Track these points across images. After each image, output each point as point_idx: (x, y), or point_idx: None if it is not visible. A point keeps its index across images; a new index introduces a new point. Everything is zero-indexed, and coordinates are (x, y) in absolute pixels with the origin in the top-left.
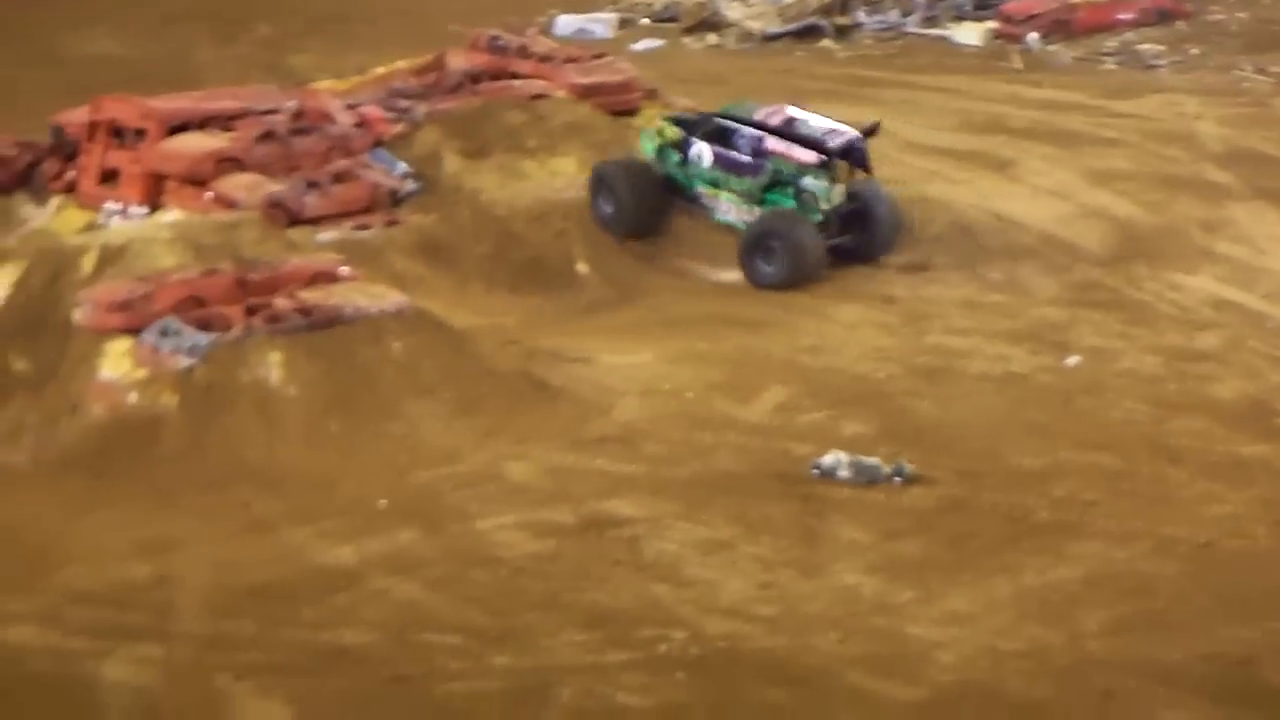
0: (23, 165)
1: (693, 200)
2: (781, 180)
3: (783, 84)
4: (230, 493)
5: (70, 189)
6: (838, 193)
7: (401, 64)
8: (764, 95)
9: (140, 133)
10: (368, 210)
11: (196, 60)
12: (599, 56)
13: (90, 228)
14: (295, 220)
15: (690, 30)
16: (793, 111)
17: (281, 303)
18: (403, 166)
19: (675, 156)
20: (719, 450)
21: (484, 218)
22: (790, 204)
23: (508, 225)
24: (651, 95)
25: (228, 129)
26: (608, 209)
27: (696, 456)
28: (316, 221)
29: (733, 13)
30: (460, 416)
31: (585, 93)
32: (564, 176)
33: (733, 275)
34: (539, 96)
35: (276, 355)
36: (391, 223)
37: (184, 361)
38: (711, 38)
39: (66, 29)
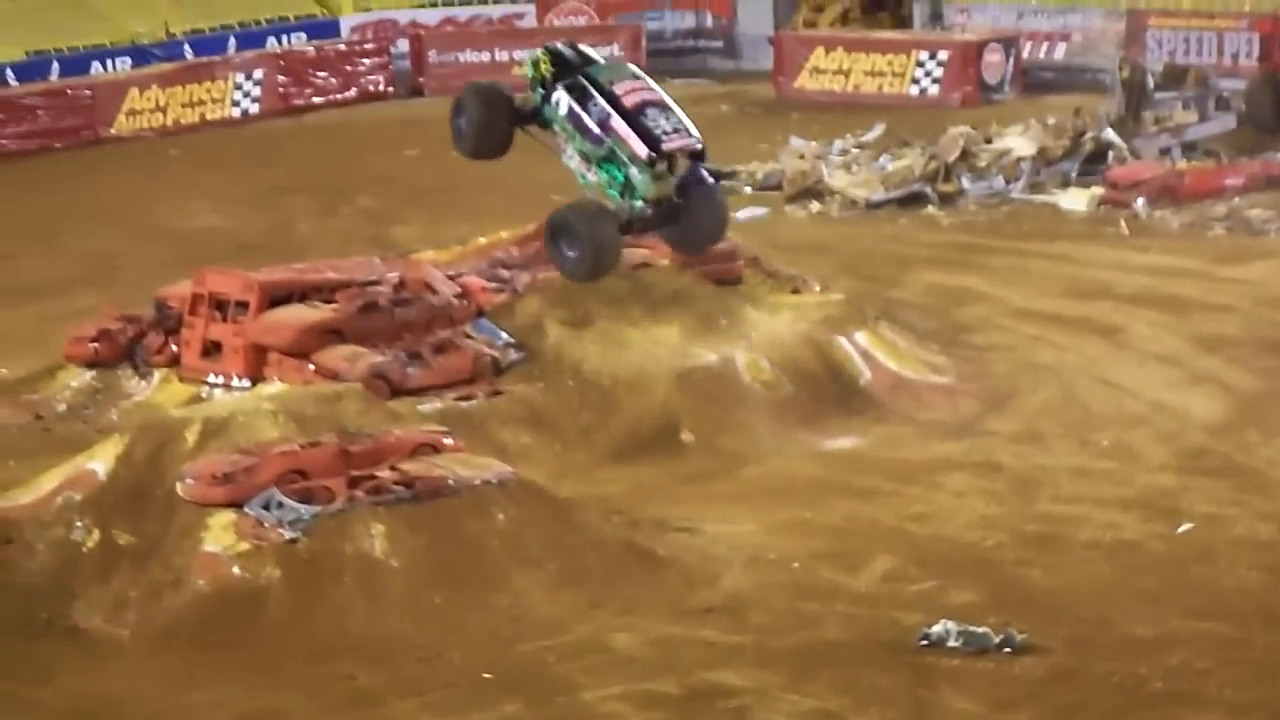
0: (126, 339)
1: (551, 134)
2: (615, 159)
3: (888, 251)
4: (335, 665)
5: (173, 362)
6: (662, 188)
7: (503, 234)
8: (871, 262)
9: (242, 305)
10: (470, 381)
11: (298, 232)
12: None
13: (193, 401)
14: (398, 391)
15: (793, 198)
16: (651, 96)
17: (384, 474)
18: (505, 336)
19: (540, 92)
20: (826, 620)
21: (587, 387)
22: (620, 180)
23: (611, 395)
24: (754, 263)
25: (329, 300)
26: (461, 127)
27: (803, 626)
28: (419, 392)
29: (836, 181)
30: (565, 587)
31: (688, 261)
32: (667, 346)
33: (840, 443)
34: (641, 265)
35: (380, 527)
36: (494, 393)
37: (287, 534)
38: (815, 206)
39: (170, 203)
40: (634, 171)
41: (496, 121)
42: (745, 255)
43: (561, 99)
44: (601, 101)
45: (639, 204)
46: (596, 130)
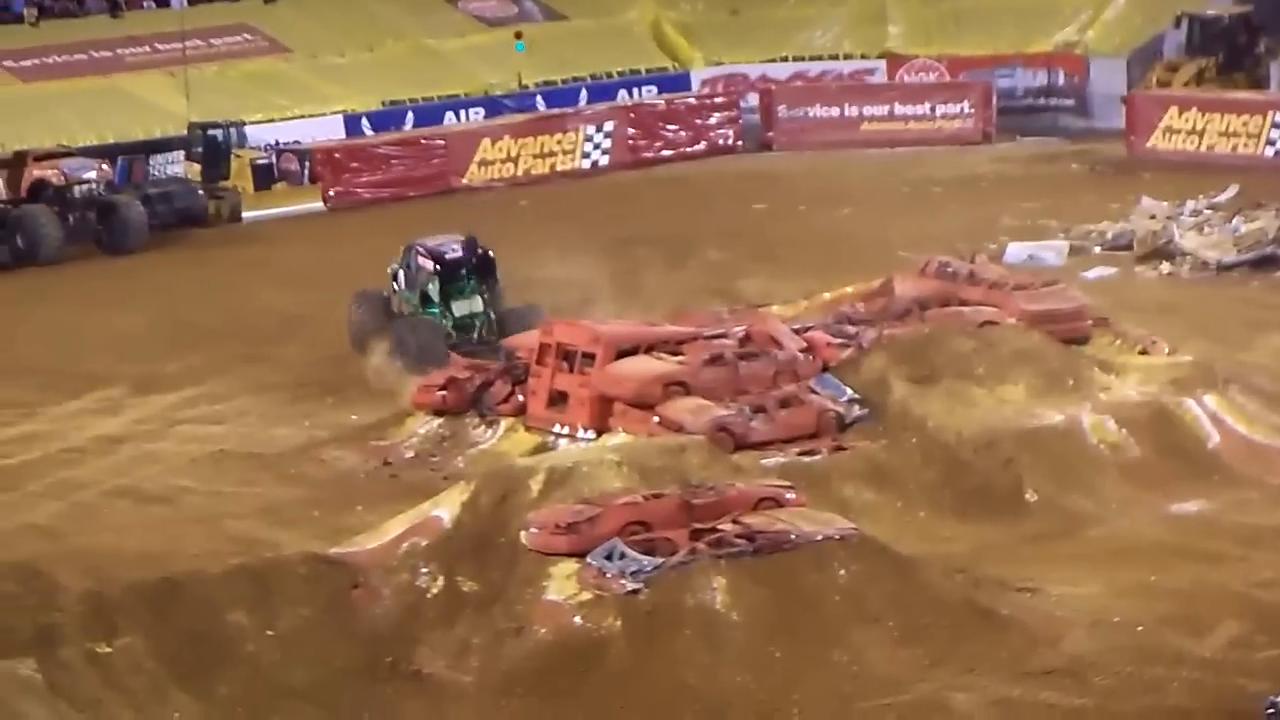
0: (474, 387)
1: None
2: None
3: (1239, 314)
4: (674, 717)
5: (519, 411)
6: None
7: (849, 289)
8: (1221, 325)
9: (589, 357)
10: (814, 436)
11: (645, 284)
12: (1049, 284)
13: (538, 450)
14: (741, 445)
15: (1144, 259)
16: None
17: (727, 528)
18: (849, 392)
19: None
20: (1171, 685)
21: (931, 444)
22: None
23: (955, 452)
24: (1103, 324)
25: (676, 353)
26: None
27: (1147, 691)
28: (763, 446)
29: (1188, 242)
30: (905, 645)
31: (1035, 320)
32: (1012, 404)
33: (1186, 507)
34: (988, 323)
35: (721, 580)
36: (838, 449)
37: (629, 585)
38: (1165, 266)
39: (518, 252)
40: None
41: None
42: (1094, 315)
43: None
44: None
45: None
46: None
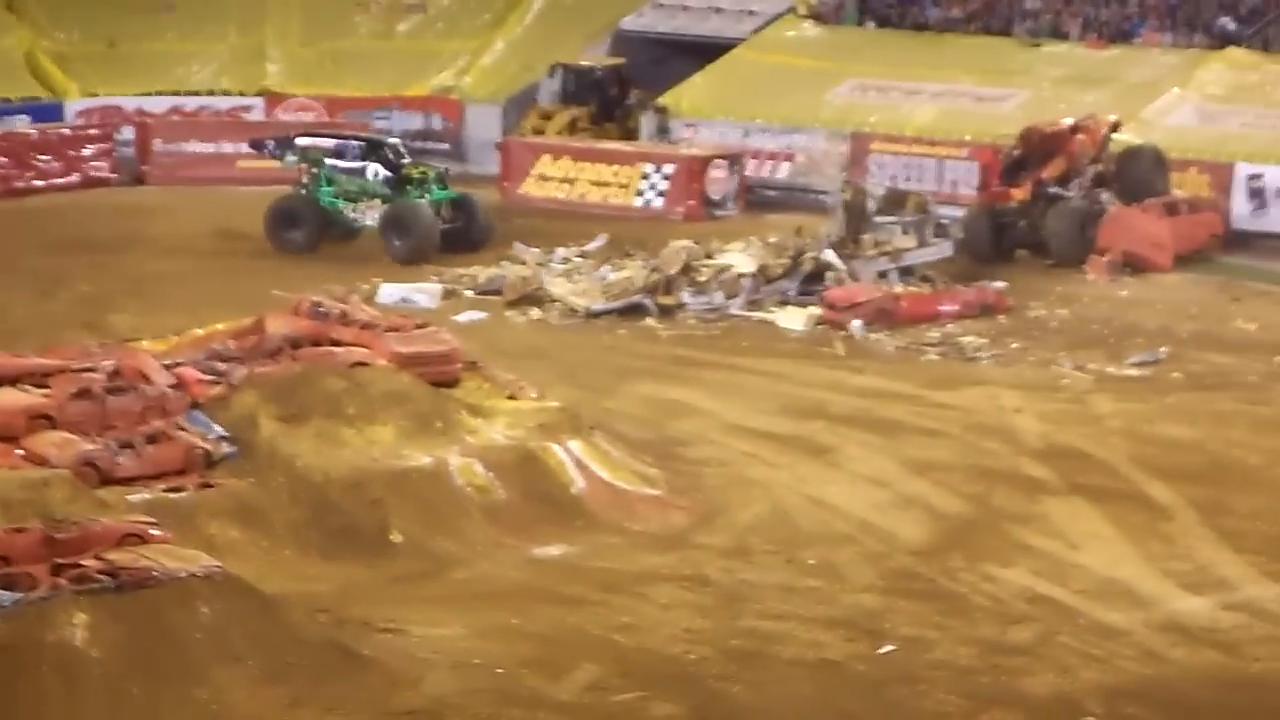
0: None
1: None
2: None
3: (605, 361)
4: None
5: None
6: None
7: (221, 326)
8: (588, 372)
9: None
10: (181, 472)
11: (13, 316)
12: (421, 326)
13: None
14: (107, 480)
15: (514, 304)
16: None
17: (89, 563)
18: (219, 429)
19: None
20: None
21: (299, 484)
22: None
23: (323, 492)
24: (472, 367)
25: (42, 386)
26: None
27: None
28: (129, 482)
29: (557, 288)
30: (267, 684)
31: (406, 362)
32: (381, 445)
33: (549, 551)
34: (359, 364)
35: (82, 616)
36: (205, 486)
37: None
38: (535, 312)
39: None
40: None
41: None
42: (464, 358)
43: None
44: None
45: None
46: None
